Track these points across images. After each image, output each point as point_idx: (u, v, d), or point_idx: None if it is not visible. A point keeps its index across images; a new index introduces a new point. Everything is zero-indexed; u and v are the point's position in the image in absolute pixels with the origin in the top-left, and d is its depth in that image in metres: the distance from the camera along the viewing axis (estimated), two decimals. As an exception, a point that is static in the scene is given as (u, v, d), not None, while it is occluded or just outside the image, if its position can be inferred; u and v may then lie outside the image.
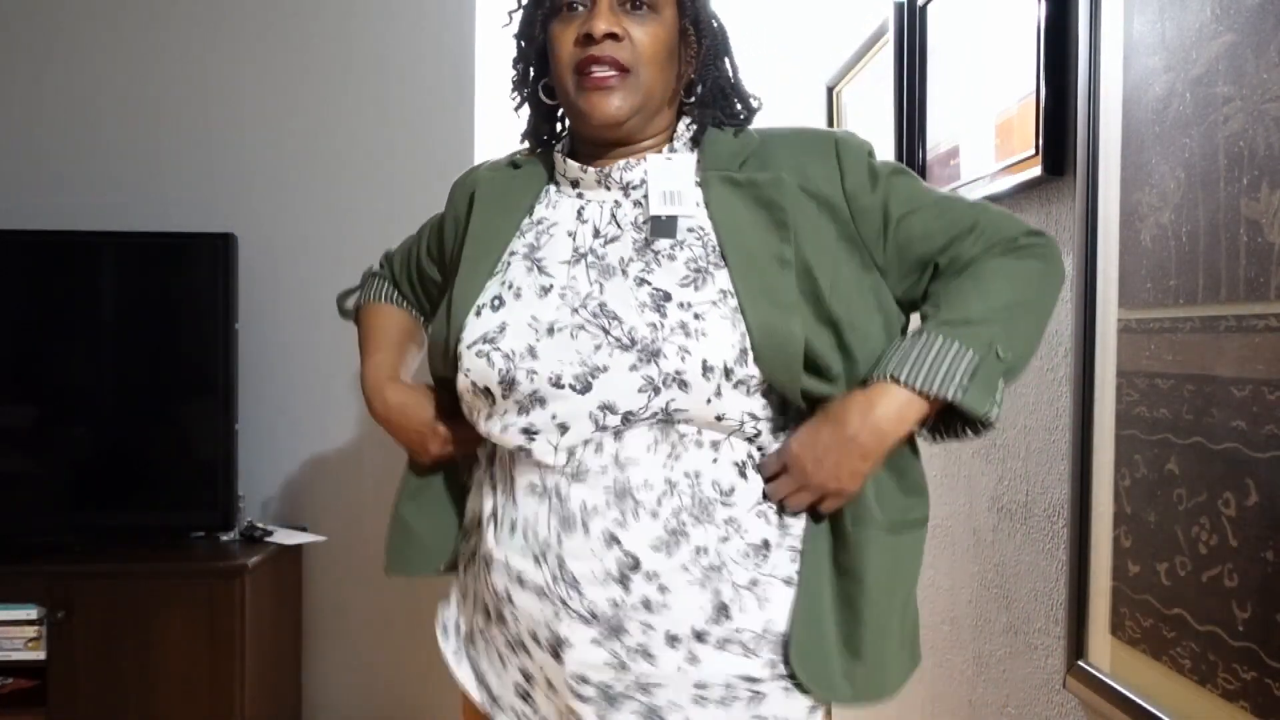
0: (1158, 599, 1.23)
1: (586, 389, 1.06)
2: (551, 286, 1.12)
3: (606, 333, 1.07)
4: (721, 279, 1.08)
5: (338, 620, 2.75)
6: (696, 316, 1.06)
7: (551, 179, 1.20)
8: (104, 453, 2.50)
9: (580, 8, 1.10)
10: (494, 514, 1.16)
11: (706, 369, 1.05)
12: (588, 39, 1.08)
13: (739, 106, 1.21)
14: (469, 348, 1.11)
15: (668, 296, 1.08)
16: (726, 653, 1.09)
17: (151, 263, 2.53)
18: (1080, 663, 1.42)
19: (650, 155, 1.15)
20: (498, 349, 1.10)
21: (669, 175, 1.13)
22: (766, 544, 1.12)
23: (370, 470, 2.75)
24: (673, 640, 1.08)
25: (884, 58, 2.29)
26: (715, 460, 1.10)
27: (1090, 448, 1.40)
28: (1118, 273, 1.33)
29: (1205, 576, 1.14)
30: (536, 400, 1.08)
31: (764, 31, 3.83)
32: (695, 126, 1.17)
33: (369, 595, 2.75)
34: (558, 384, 1.07)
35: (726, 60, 1.21)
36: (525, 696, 1.18)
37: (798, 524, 1.14)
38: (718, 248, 1.10)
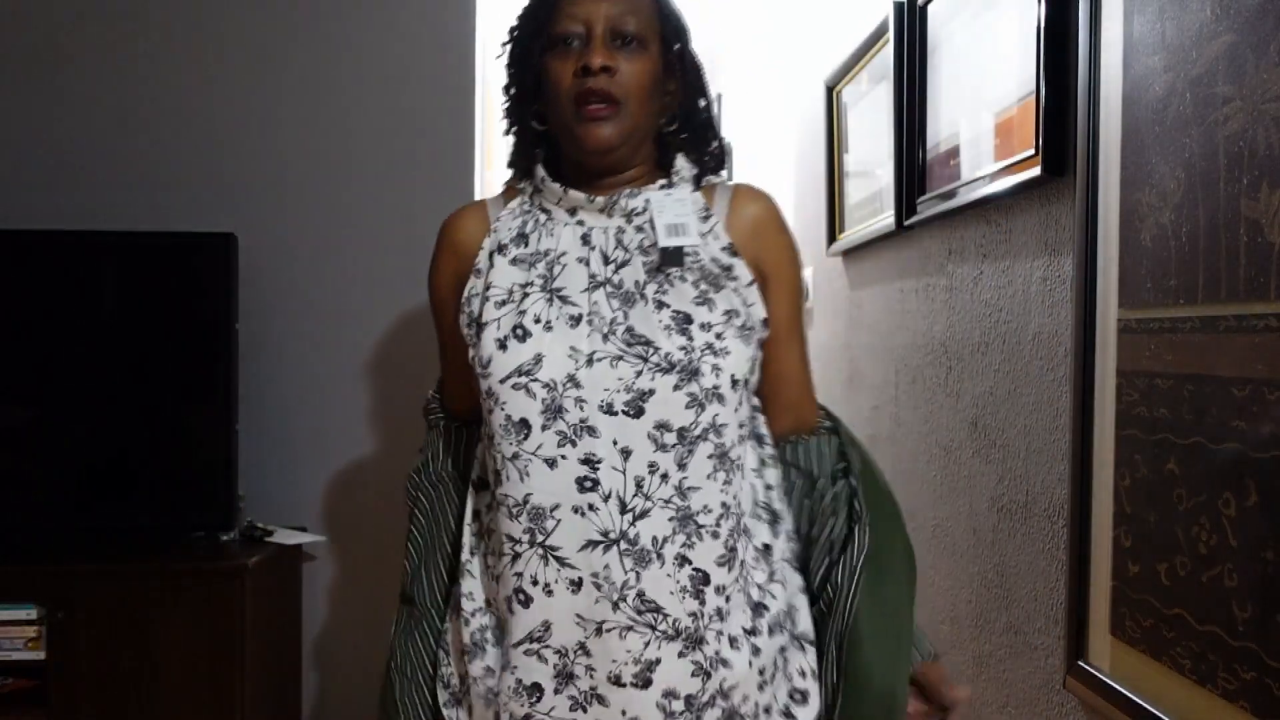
0: (1158, 599, 1.23)
1: (640, 413, 1.14)
2: (581, 316, 1.17)
3: (645, 360, 1.14)
4: (722, 301, 1.19)
5: (338, 620, 2.75)
6: (718, 336, 1.17)
7: (531, 209, 1.25)
8: (104, 453, 2.50)
9: (575, 42, 1.17)
10: (530, 587, 1.16)
11: (734, 382, 1.18)
12: (585, 71, 1.15)
13: (714, 145, 1.30)
14: (502, 382, 1.15)
15: (689, 319, 1.17)
16: (772, 638, 1.23)
17: (151, 263, 2.53)
18: (1080, 663, 1.42)
19: (649, 190, 1.22)
20: (536, 380, 1.14)
21: (673, 209, 1.19)
22: (768, 547, 1.27)
23: (370, 470, 2.75)
24: (735, 642, 1.19)
25: (884, 57, 2.29)
26: (754, 481, 1.25)
27: (1090, 448, 1.40)
28: (1118, 273, 1.33)
29: (1205, 576, 1.14)
30: (585, 429, 1.13)
31: (764, 31, 3.83)
32: (696, 168, 1.27)
33: (369, 595, 2.75)
34: (610, 411, 1.13)
35: (702, 99, 1.28)
36: None
37: (788, 518, 1.31)
38: (720, 275, 1.20)
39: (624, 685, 1.14)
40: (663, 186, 1.23)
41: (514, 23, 1.24)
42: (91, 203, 2.66)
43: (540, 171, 1.24)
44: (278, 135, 2.73)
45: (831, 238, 2.83)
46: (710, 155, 1.29)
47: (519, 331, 1.16)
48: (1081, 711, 1.46)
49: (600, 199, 1.20)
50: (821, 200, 2.94)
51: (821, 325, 3.00)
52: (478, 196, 2.81)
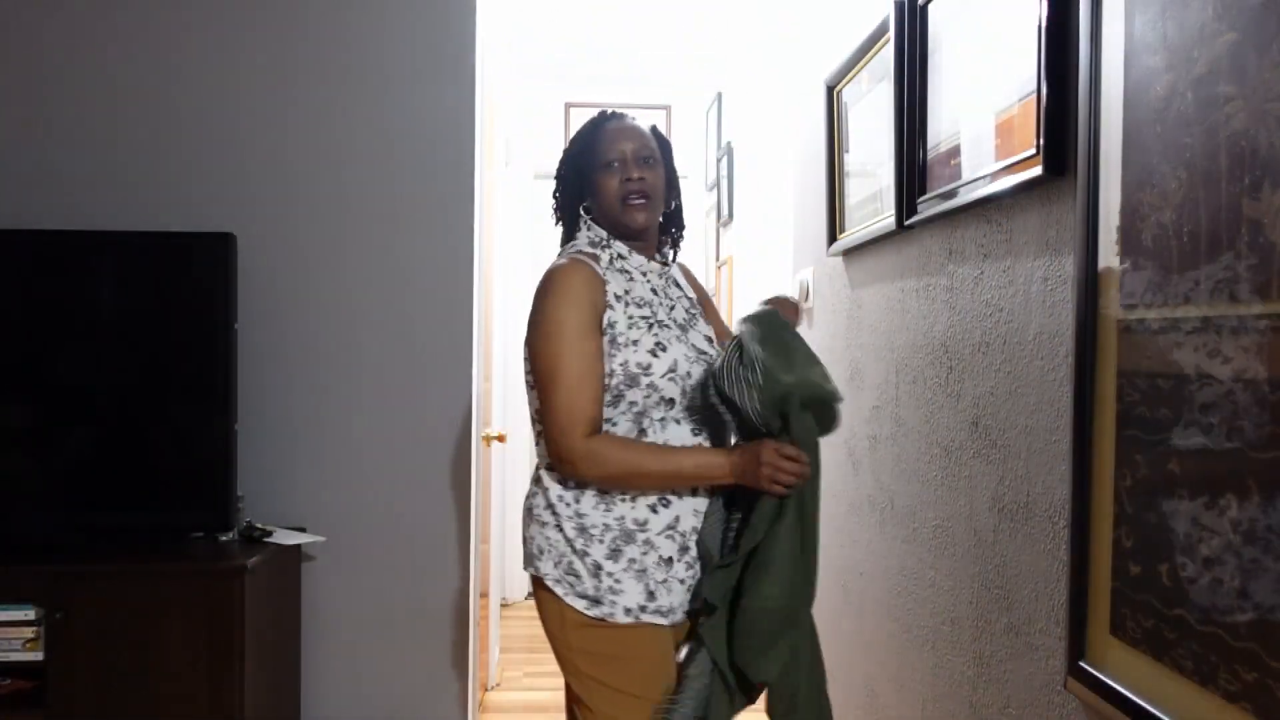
0: (1159, 600, 1.23)
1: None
2: (678, 336, 1.84)
3: (709, 363, 1.85)
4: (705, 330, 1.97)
5: (337, 620, 2.75)
6: (719, 349, 1.90)
7: (619, 270, 1.88)
8: (103, 453, 2.50)
9: (616, 164, 1.87)
10: (669, 494, 1.84)
11: None
12: (628, 180, 1.86)
13: (682, 228, 2.05)
14: (662, 376, 1.79)
15: (711, 340, 1.93)
16: None
17: (151, 263, 2.53)
18: (1081, 663, 1.41)
19: (673, 266, 2.01)
20: (676, 373, 1.80)
21: (679, 275, 2.03)
22: None
23: (370, 470, 2.75)
24: None
25: (884, 57, 2.29)
26: None
27: (1091, 448, 1.40)
28: (1118, 273, 1.32)
29: (1207, 577, 1.13)
30: (694, 401, 1.83)
31: (764, 31, 3.83)
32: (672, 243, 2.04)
33: (368, 595, 2.75)
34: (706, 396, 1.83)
35: (678, 195, 2.02)
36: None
37: None
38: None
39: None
40: (672, 260, 2.02)
41: (570, 149, 1.97)
42: (91, 203, 2.66)
43: (623, 247, 1.89)
44: (277, 135, 2.73)
45: (832, 238, 2.83)
46: (678, 233, 2.03)
47: (660, 345, 1.80)
48: (1082, 713, 1.46)
49: (657, 266, 1.93)
50: (822, 200, 2.93)
51: (822, 325, 2.99)
52: (477, 196, 2.82)
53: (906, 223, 2.14)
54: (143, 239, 2.52)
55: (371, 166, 2.75)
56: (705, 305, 2.05)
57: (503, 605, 4.77)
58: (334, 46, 2.73)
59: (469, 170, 2.78)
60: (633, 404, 1.79)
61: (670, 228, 2.01)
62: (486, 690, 3.79)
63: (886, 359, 2.39)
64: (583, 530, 1.80)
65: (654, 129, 1.97)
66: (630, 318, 1.81)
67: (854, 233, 2.62)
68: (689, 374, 1.81)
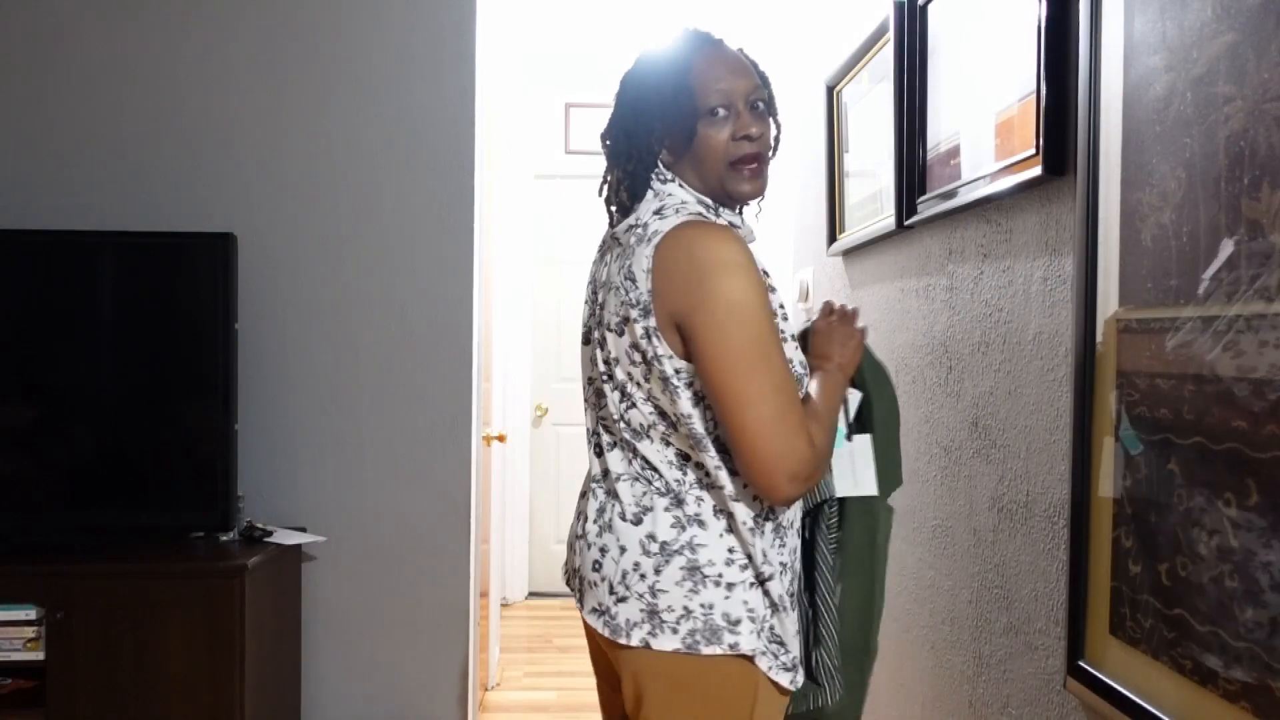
0: (1158, 599, 1.23)
1: None
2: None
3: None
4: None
5: (337, 620, 2.75)
6: None
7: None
8: (103, 453, 2.50)
9: (723, 111, 1.40)
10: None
11: None
12: (746, 139, 1.40)
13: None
14: (804, 372, 1.45)
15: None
16: None
17: (151, 263, 2.53)
18: (1081, 663, 1.41)
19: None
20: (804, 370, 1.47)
21: None
22: None
23: (370, 470, 2.75)
24: None
25: (884, 57, 2.29)
26: None
27: (1090, 448, 1.40)
28: (1118, 273, 1.33)
29: (1206, 577, 1.14)
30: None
31: (764, 31, 3.83)
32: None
33: (368, 595, 2.75)
34: None
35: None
36: None
37: None
38: None
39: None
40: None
41: (644, 78, 1.47)
42: (91, 203, 2.66)
43: (734, 217, 1.48)
44: (277, 135, 2.73)
45: (832, 237, 2.83)
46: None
47: (794, 337, 1.47)
48: (1082, 712, 1.46)
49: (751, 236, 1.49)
50: (822, 200, 2.93)
51: (821, 325, 2.99)
52: (477, 196, 2.82)
53: (906, 223, 2.14)
54: (143, 239, 2.52)
55: (372, 166, 2.74)
56: None
57: (503, 605, 4.77)
58: (334, 47, 2.73)
59: (469, 170, 2.78)
60: None
61: None
62: (486, 690, 3.79)
63: (886, 359, 2.39)
64: (770, 580, 1.37)
65: (750, 58, 1.50)
66: (781, 305, 1.44)
67: (854, 232, 2.62)
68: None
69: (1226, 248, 1.10)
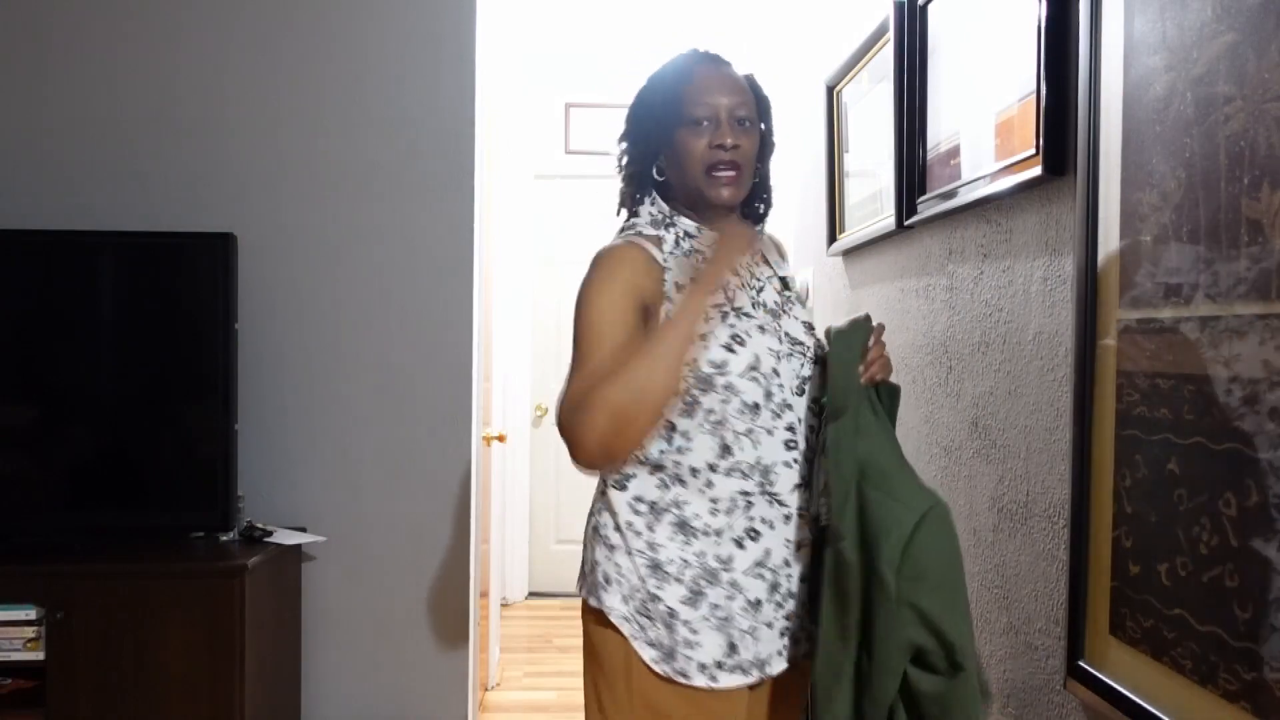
0: (1158, 599, 1.23)
1: (803, 393, 1.55)
2: (762, 326, 1.53)
3: (805, 355, 1.57)
4: (805, 313, 1.64)
5: (337, 620, 2.75)
6: (816, 337, 1.61)
7: (689, 252, 1.56)
8: (103, 453, 2.50)
9: (706, 123, 1.51)
10: (760, 525, 1.51)
11: None
12: (719, 148, 1.50)
13: (769, 195, 1.68)
14: (739, 376, 1.48)
15: (810, 326, 1.61)
16: None
17: (151, 263, 2.53)
18: (1080, 663, 1.41)
19: (763, 234, 1.65)
20: (760, 372, 1.49)
21: (771, 248, 1.66)
22: None
23: (370, 470, 2.75)
24: None
25: (884, 57, 2.29)
26: None
27: (1090, 448, 1.40)
28: (1118, 273, 1.33)
29: (1206, 577, 1.14)
30: (786, 406, 1.52)
31: (764, 31, 3.83)
32: (760, 215, 1.67)
33: (368, 595, 2.75)
34: (798, 392, 1.54)
35: (770, 159, 1.66)
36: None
37: None
38: (798, 294, 1.67)
39: (805, 580, 1.54)
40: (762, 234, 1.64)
41: (647, 93, 1.59)
42: (91, 203, 2.66)
43: (690, 224, 1.56)
44: (277, 135, 2.73)
45: (832, 237, 2.83)
46: (766, 202, 1.67)
47: (737, 339, 1.49)
48: (1082, 712, 1.46)
49: None
50: (822, 200, 2.93)
51: (821, 325, 2.99)
52: (478, 197, 2.82)
53: (906, 223, 2.14)
54: (143, 239, 2.53)
55: (372, 166, 2.75)
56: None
57: (503, 605, 4.77)
58: (334, 47, 2.73)
59: (469, 170, 2.78)
60: (710, 412, 1.48)
61: (755, 196, 1.65)
62: (486, 690, 3.79)
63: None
64: (656, 567, 1.49)
65: (751, 80, 1.60)
66: (728, 307, 1.52)
67: (854, 233, 2.62)
68: (776, 372, 1.50)
69: (1226, 248, 1.10)
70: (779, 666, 1.52)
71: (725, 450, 1.48)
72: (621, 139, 1.62)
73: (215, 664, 2.26)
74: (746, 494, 1.49)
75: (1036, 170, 1.54)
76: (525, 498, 5.05)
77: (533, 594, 5.13)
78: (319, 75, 2.73)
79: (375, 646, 2.76)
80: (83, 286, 2.50)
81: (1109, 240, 1.35)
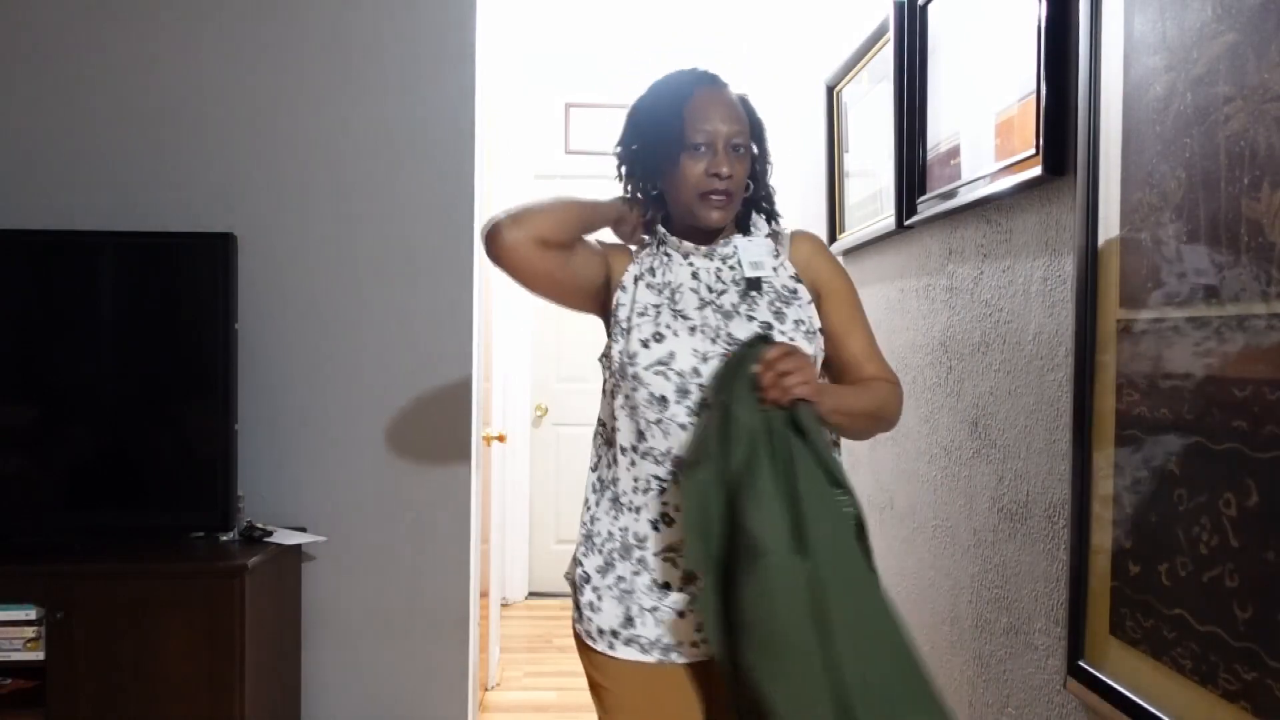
0: (1158, 599, 1.23)
1: None
2: (695, 327, 1.57)
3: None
4: (791, 314, 1.59)
5: (337, 620, 2.75)
6: (790, 339, 1.55)
7: (656, 253, 1.66)
8: (103, 453, 2.50)
9: (704, 148, 1.57)
10: (673, 512, 1.57)
11: None
12: (715, 175, 1.56)
13: (773, 202, 1.73)
14: (646, 369, 1.55)
15: (769, 326, 1.56)
16: None
17: (151, 263, 2.53)
18: (1080, 663, 1.41)
19: (735, 239, 1.65)
20: (671, 368, 1.54)
21: (753, 250, 1.64)
22: None
23: (370, 470, 2.75)
24: None
25: (884, 57, 2.29)
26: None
27: (1090, 448, 1.40)
28: (1118, 273, 1.33)
29: (1206, 577, 1.14)
30: (705, 405, 1.53)
31: (764, 31, 3.83)
32: (771, 223, 1.71)
33: (368, 595, 2.75)
34: None
35: (769, 170, 1.71)
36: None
37: None
38: (789, 296, 1.62)
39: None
40: (744, 236, 1.67)
41: (643, 113, 1.65)
42: (92, 203, 2.66)
43: (662, 230, 1.65)
44: (277, 136, 2.73)
45: (832, 237, 2.83)
46: (771, 209, 1.72)
47: (657, 335, 1.57)
48: (1082, 712, 1.46)
49: (704, 248, 1.64)
50: (822, 200, 2.94)
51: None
52: (478, 197, 2.82)
53: (906, 223, 2.14)
54: (143, 239, 2.53)
55: (372, 166, 2.75)
56: (822, 293, 1.64)
57: (503, 605, 4.77)
58: (334, 46, 2.73)
59: (469, 170, 2.78)
60: (626, 397, 1.57)
61: (755, 207, 1.70)
62: (486, 690, 3.79)
63: (886, 358, 2.39)
64: (589, 537, 1.65)
65: (746, 103, 1.67)
66: (639, 302, 1.61)
67: (854, 232, 2.62)
68: (696, 371, 1.53)
69: (1226, 248, 1.10)
70: (689, 656, 1.57)
71: (640, 435, 1.58)
72: (620, 148, 1.69)
73: (215, 664, 2.26)
74: (660, 479, 1.57)
75: (1036, 170, 1.54)
76: (525, 498, 5.05)
77: (533, 594, 5.13)
78: (319, 75, 2.73)
79: (375, 646, 2.76)
80: (83, 286, 2.50)
81: (1109, 240, 1.35)
